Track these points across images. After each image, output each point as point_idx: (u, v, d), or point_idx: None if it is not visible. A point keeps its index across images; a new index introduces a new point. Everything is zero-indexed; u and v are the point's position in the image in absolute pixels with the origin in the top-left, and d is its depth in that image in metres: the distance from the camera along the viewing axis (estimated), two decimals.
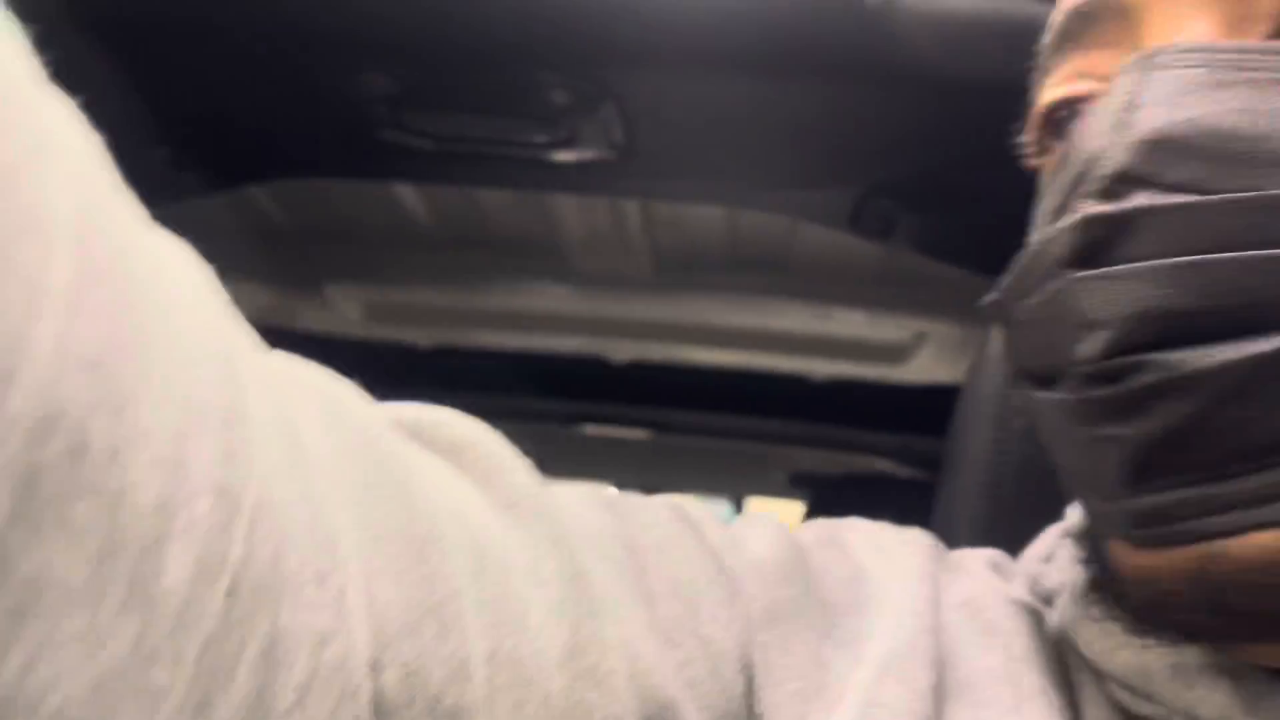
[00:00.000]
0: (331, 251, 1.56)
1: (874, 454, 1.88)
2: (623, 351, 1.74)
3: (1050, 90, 0.42)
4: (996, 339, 0.74)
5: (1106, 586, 0.40)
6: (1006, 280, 0.40)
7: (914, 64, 0.81)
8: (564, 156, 0.97)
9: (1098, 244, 0.34)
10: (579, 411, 1.78)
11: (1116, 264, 0.34)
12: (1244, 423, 0.32)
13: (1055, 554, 0.47)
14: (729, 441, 1.91)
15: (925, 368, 1.85)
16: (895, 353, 1.81)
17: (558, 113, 0.89)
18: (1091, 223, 0.34)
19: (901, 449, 1.85)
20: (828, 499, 1.77)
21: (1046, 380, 0.37)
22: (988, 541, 0.50)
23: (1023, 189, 0.46)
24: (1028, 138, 0.44)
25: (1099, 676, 0.40)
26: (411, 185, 1.29)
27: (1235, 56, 0.34)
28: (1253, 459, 0.32)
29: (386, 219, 1.46)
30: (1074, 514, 0.47)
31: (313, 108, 0.94)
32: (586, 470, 2.12)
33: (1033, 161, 0.44)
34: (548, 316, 1.69)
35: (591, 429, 1.82)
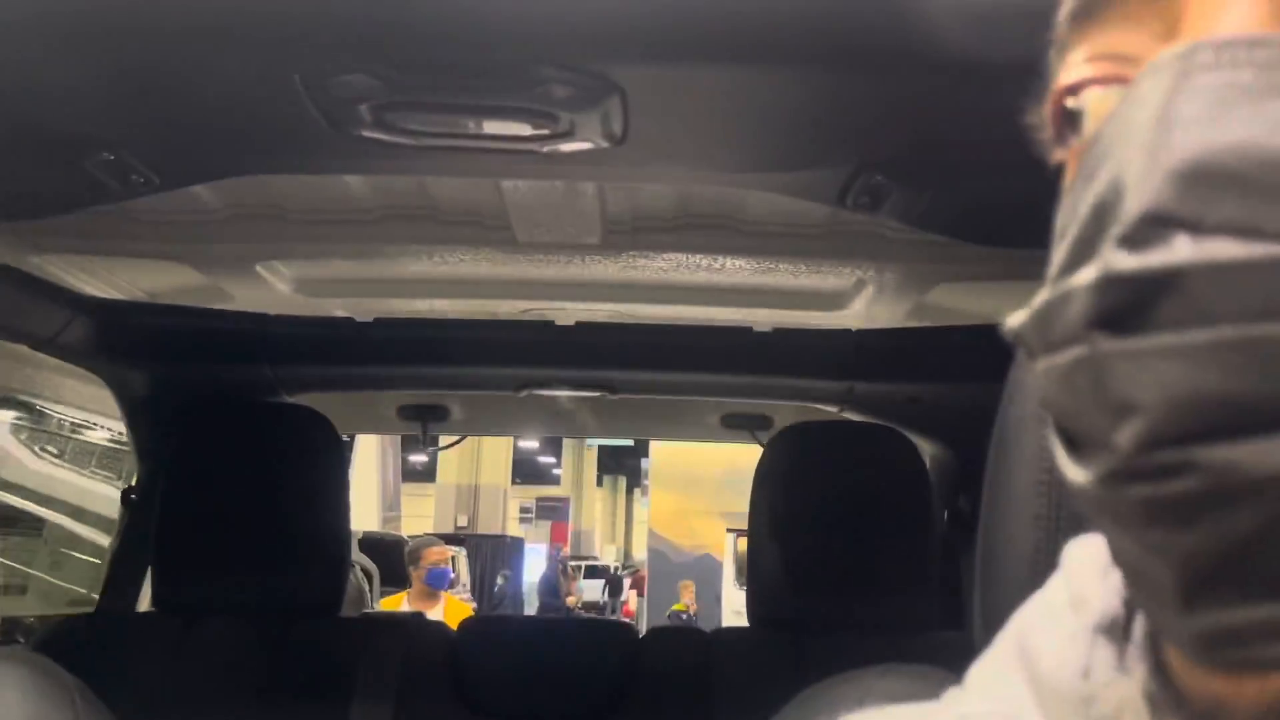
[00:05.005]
0: (264, 230, 1.49)
1: (819, 400, 1.89)
2: (569, 315, 1.71)
3: (1067, 72, 0.36)
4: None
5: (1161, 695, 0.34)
6: (1029, 319, 0.33)
7: (934, 48, 0.79)
8: (558, 148, 0.93)
9: (1127, 307, 0.28)
10: (527, 378, 1.75)
11: (1152, 331, 0.28)
12: None
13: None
14: (676, 396, 1.90)
15: (864, 312, 1.87)
16: (836, 299, 1.83)
17: (557, 106, 0.85)
18: (1116, 283, 0.28)
19: (846, 394, 1.87)
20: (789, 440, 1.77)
21: (1079, 445, 0.31)
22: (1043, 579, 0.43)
23: (1022, 162, 0.43)
24: (1044, 126, 0.38)
25: None
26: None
27: None
28: None
29: (324, 197, 1.39)
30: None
31: (286, 107, 0.88)
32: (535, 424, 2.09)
33: (1051, 155, 0.38)
34: (491, 281, 1.65)
35: (542, 393, 1.79)
